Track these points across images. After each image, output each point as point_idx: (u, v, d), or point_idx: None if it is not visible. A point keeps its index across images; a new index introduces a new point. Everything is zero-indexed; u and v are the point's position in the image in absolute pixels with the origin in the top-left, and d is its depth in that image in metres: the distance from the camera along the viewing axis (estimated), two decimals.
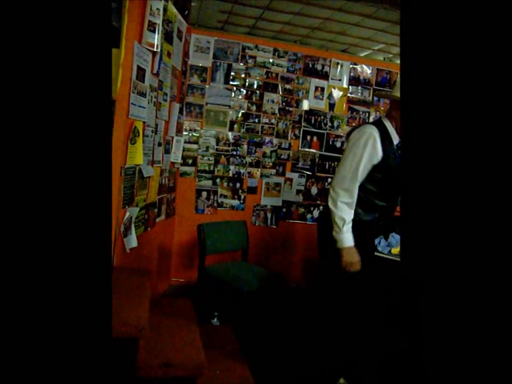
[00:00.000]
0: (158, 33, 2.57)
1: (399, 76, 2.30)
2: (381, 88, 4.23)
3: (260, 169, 4.00)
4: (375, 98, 4.23)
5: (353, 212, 2.18)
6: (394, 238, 2.63)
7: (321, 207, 3.98)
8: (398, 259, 2.48)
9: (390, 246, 2.52)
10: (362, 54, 8.28)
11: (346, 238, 2.15)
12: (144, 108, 2.60)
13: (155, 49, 2.58)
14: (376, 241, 2.55)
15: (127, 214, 2.54)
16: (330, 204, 2.18)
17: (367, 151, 2.12)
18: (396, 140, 2.20)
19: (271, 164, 4.02)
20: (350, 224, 2.16)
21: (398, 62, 8.75)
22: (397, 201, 2.36)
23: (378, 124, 2.23)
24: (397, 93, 2.19)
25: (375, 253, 2.49)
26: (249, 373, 2.21)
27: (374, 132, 2.13)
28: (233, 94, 3.87)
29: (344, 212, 2.15)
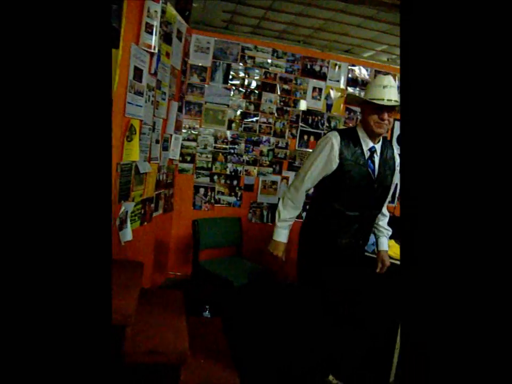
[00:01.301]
0: (156, 34, 2.67)
1: (376, 80, 2.26)
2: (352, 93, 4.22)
3: (257, 168, 4.08)
4: None
5: (294, 211, 2.28)
6: None
7: None
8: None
9: (375, 246, 2.60)
10: (365, 55, 8.37)
11: (277, 232, 2.28)
12: (141, 106, 2.70)
13: (152, 50, 2.68)
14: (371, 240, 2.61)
15: (123, 208, 2.64)
16: (279, 198, 2.35)
17: (322, 156, 2.16)
18: (367, 144, 2.20)
19: (268, 162, 4.10)
20: (287, 223, 2.28)
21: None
22: (372, 210, 2.33)
23: (345, 130, 2.29)
24: (367, 95, 2.16)
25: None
26: (233, 364, 2.31)
27: (333, 138, 2.15)
28: (232, 93, 3.96)
29: (286, 208, 2.26)
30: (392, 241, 2.71)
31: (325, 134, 4.06)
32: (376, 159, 2.23)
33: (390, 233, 2.51)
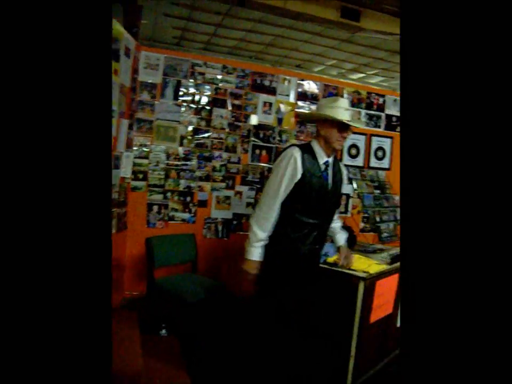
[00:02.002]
0: None
1: (338, 102, 2.37)
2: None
3: (210, 183, 4.09)
4: None
5: (269, 229, 2.32)
6: (332, 247, 2.77)
7: None
8: (333, 268, 2.61)
9: (326, 256, 2.65)
10: (316, 69, 8.56)
11: (254, 252, 2.31)
12: None
13: None
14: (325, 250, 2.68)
15: None
16: (251, 219, 2.35)
17: (288, 170, 2.28)
18: (322, 158, 2.37)
19: (221, 177, 4.12)
20: (263, 242, 2.31)
21: (351, 77, 9.07)
22: (327, 218, 2.50)
23: (303, 145, 2.41)
24: (331, 114, 2.29)
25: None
26: (189, 382, 2.29)
27: (295, 152, 2.29)
28: (183, 110, 3.96)
29: (262, 227, 2.30)
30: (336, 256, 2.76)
31: (277, 148, 4.22)
32: (330, 171, 2.44)
33: (345, 236, 2.73)
